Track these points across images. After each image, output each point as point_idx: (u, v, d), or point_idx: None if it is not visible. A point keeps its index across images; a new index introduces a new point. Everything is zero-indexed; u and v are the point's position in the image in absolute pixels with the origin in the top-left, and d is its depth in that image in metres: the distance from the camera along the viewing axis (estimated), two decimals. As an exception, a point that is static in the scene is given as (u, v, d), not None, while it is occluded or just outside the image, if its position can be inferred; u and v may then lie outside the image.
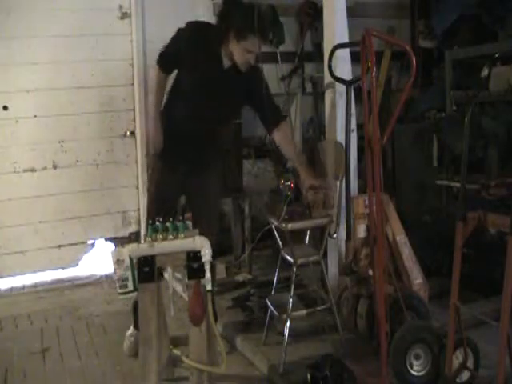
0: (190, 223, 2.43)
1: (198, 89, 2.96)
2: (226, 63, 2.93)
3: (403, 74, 5.22)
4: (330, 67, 3.29)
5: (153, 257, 2.31)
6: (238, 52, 2.85)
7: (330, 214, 3.02)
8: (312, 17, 4.93)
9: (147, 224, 2.46)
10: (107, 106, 4.45)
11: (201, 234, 2.34)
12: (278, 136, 3.08)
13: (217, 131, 3.14)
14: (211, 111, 2.97)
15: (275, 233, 3.14)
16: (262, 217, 4.30)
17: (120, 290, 2.35)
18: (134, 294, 2.41)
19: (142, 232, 4.11)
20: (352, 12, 3.59)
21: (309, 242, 3.21)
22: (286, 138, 3.11)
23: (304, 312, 3.02)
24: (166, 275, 2.53)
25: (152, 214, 2.91)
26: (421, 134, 4.19)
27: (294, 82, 5.08)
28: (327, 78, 3.39)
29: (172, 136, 3.05)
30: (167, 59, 3.04)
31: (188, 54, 2.93)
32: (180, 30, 2.99)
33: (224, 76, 2.94)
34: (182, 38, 2.96)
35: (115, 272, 2.34)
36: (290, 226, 2.89)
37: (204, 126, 3.01)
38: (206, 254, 2.26)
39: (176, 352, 2.97)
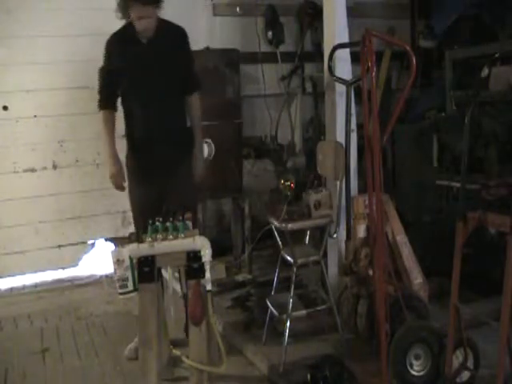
0: (190, 223, 2.43)
1: (136, 80, 2.98)
2: (143, 39, 2.96)
3: (403, 74, 5.22)
4: (329, 67, 3.29)
5: (153, 257, 2.31)
6: (134, 23, 2.88)
7: (330, 213, 3.02)
8: (312, 17, 4.93)
9: (137, 230, 2.46)
10: (107, 106, 4.45)
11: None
12: (189, 104, 3.15)
13: (173, 110, 3.12)
14: (156, 91, 2.99)
15: (275, 233, 3.14)
16: (262, 217, 4.29)
17: (120, 290, 2.35)
18: (134, 294, 2.42)
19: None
20: (352, 12, 3.59)
21: (309, 242, 3.21)
22: (194, 109, 3.16)
23: (304, 312, 3.02)
24: (164, 274, 2.52)
25: (139, 224, 2.87)
26: (421, 134, 4.18)
27: (294, 82, 5.08)
28: (327, 78, 3.39)
29: (136, 137, 3.07)
30: (106, 91, 3.06)
31: (115, 64, 2.99)
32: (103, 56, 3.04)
33: (147, 52, 2.97)
34: (104, 59, 3.03)
35: (115, 272, 2.34)
36: (289, 225, 2.89)
37: (159, 112, 3.01)
38: (206, 254, 2.27)
39: (176, 352, 2.97)
